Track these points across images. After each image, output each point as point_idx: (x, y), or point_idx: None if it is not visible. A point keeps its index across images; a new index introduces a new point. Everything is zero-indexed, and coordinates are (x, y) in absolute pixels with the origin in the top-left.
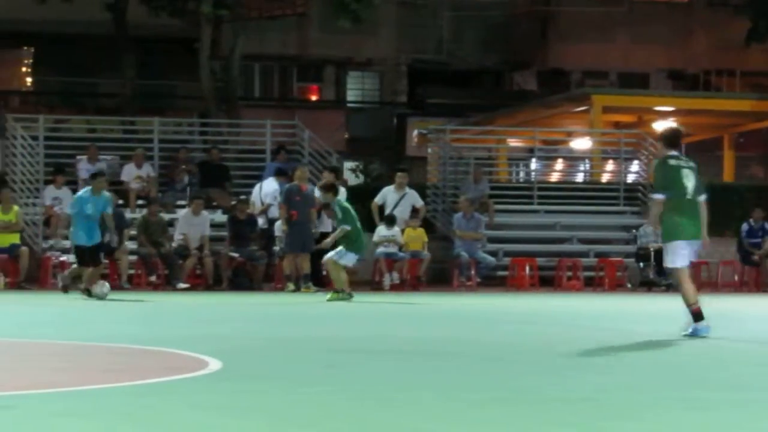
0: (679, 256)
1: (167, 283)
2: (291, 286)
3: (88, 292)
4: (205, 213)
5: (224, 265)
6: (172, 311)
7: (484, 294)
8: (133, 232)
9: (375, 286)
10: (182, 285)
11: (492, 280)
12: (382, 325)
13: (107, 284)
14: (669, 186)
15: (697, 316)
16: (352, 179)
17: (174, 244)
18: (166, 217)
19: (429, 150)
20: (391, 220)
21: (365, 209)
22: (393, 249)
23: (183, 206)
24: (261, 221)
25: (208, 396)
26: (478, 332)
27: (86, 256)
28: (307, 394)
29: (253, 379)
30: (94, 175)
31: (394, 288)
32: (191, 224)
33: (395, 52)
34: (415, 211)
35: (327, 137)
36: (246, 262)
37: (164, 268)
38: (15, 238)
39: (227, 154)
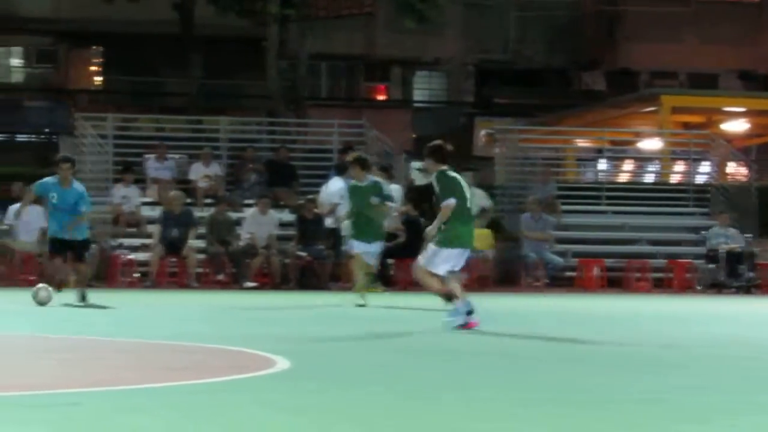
0: (448, 263)
1: (234, 282)
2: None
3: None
4: (272, 212)
5: (291, 264)
6: (239, 310)
7: (552, 295)
8: (201, 230)
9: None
10: (249, 284)
11: (560, 281)
12: None
13: (51, 290)
14: (454, 195)
15: (449, 297)
16: (419, 179)
17: (241, 243)
18: (234, 215)
19: (496, 150)
20: None
21: (433, 209)
22: None
23: (250, 205)
24: (329, 221)
25: (276, 395)
26: (544, 332)
27: (57, 246)
28: (373, 394)
29: (320, 379)
30: (58, 161)
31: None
32: (259, 223)
33: (462, 52)
34: (482, 211)
35: (394, 137)
36: (313, 262)
37: (232, 267)
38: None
39: (294, 153)
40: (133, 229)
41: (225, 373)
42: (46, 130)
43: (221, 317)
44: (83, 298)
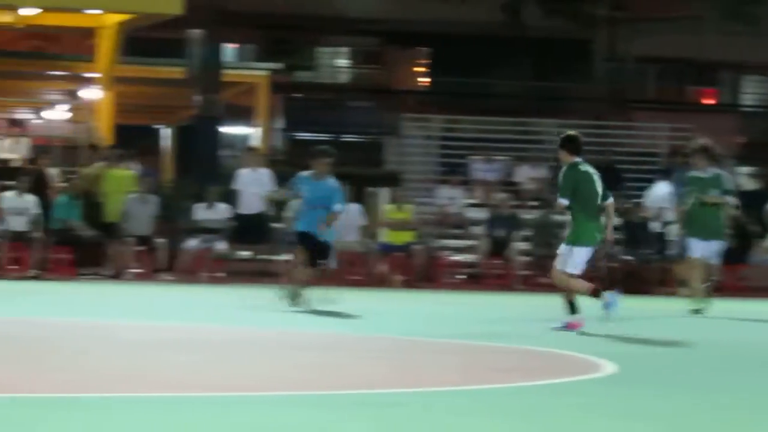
0: (582, 262)
1: None
2: (685, 291)
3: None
4: None
5: (617, 268)
6: (562, 313)
7: None
8: (527, 233)
9: None
10: None
11: None
12: None
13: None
14: (581, 191)
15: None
16: (748, 185)
17: None
18: (559, 218)
19: None
20: None
21: (761, 214)
22: None
23: None
24: (655, 225)
25: (601, 399)
26: None
27: (303, 239)
28: (702, 401)
29: (646, 385)
30: (316, 154)
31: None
32: None
33: None
34: None
35: (722, 142)
36: (640, 266)
37: None
38: (409, 237)
39: (621, 156)
40: (458, 231)
41: (549, 375)
42: (371, 130)
43: (546, 320)
44: (295, 298)
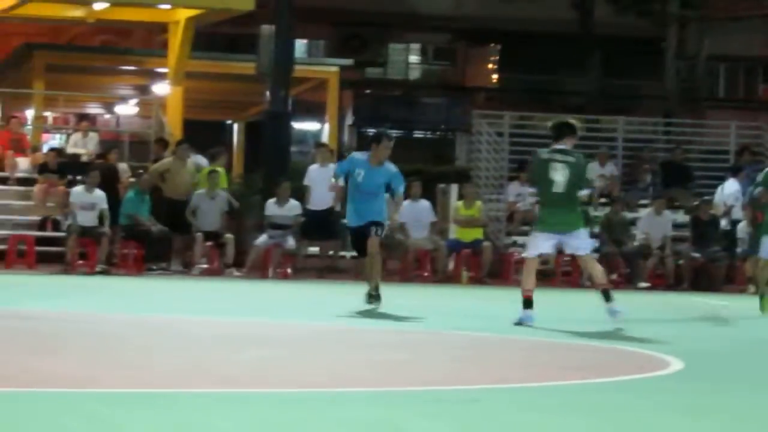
0: (533, 246)
1: (628, 282)
2: (752, 288)
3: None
4: (667, 213)
5: (685, 265)
6: (633, 310)
7: None
8: (596, 229)
9: None
10: (643, 284)
11: None
12: None
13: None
14: (538, 180)
15: (528, 302)
16: None
17: (636, 243)
18: (629, 215)
19: None
20: None
21: None
22: None
23: (645, 205)
24: (723, 222)
25: (669, 396)
26: None
27: (356, 241)
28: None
29: (714, 380)
30: (378, 137)
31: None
32: (653, 224)
33: None
34: None
35: None
36: (707, 263)
37: (625, 267)
38: (478, 233)
39: (691, 154)
40: (527, 227)
41: (617, 372)
42: (443, 127)
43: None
44: (371, 297)
